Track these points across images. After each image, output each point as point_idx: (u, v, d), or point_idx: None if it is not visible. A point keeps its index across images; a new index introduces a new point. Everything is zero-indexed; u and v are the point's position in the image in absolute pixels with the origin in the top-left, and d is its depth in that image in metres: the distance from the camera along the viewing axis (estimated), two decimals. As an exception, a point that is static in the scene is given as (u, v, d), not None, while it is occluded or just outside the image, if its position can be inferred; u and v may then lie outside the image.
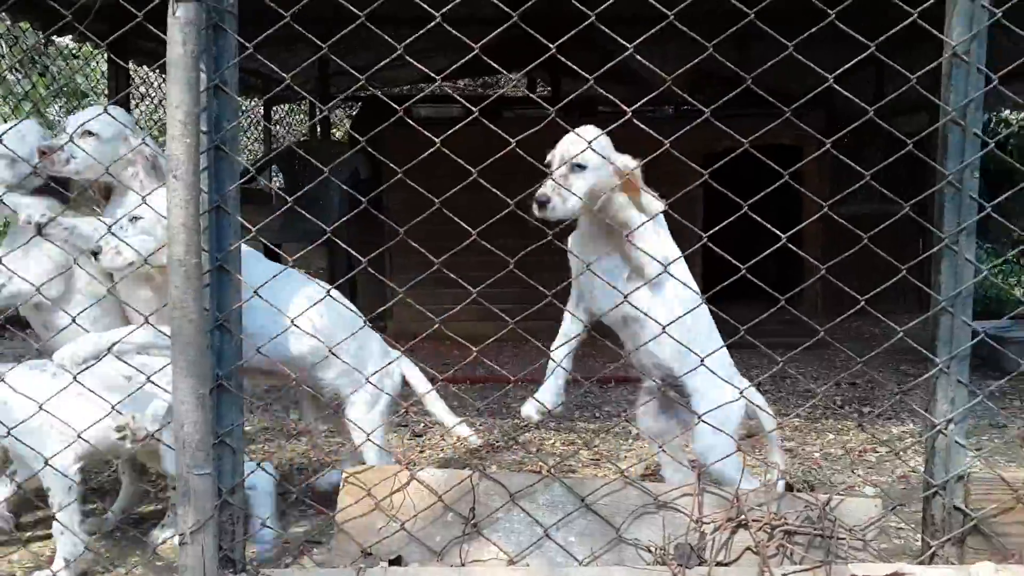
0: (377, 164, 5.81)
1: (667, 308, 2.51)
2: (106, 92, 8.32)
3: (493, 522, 2.19)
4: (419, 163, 2.21)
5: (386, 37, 2.43)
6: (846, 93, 2.18)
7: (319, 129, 10.50)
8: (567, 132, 2.48)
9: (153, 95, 10.52)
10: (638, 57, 2.13)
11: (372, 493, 2.21)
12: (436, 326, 2.27)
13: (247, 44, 2.17)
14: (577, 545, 2.14)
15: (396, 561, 2.14)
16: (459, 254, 2.30)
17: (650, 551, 2.12)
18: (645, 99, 2.42)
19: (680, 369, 2.56)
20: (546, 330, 2.56)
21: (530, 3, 2.21)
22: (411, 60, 2.34)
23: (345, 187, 2.95)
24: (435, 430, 3.98)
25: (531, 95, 8.33)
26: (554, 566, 2.10)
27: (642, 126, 2.07)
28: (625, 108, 2.08)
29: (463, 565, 2.12)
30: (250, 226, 2.26)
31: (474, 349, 2.26)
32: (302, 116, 13.00)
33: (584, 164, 2.41)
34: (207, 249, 2.13)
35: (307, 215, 2.46)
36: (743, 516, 2.13)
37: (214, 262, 2.16)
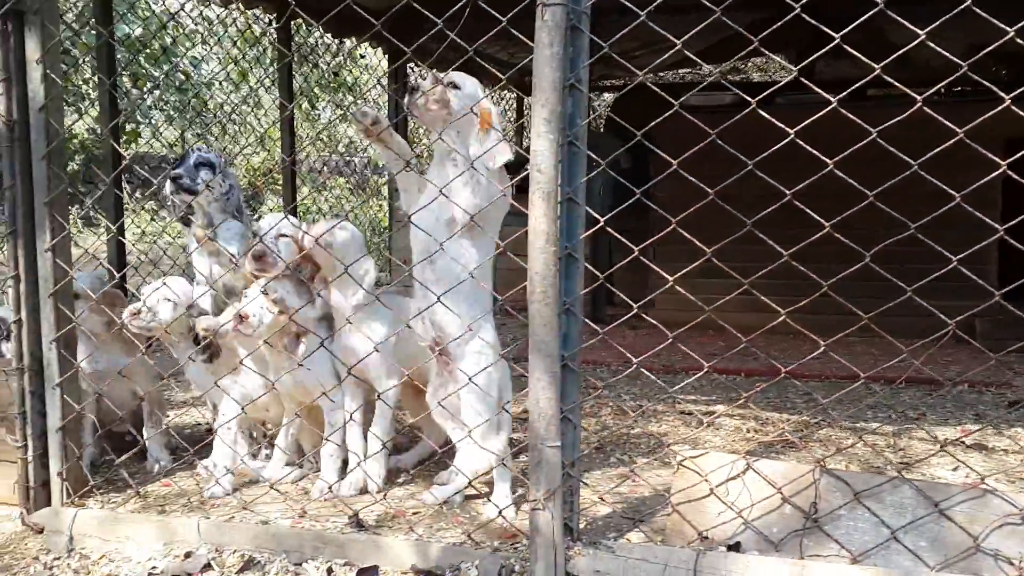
0: (639, 154, 5.78)
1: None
2: (382, 87, 9.09)
3: (834, 519, 2.17)
4: (687, 153, 2.25)
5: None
6: None
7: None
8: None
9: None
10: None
11: (708, 479, 2.27)
12: (702, 316, 2.28)
13: (603, 43, 2.28)
14: (928, 551, 2.07)
15: (734, 547, 2.18)
16: (726, 243, 2.31)
17: (1012, 563, 2.01)
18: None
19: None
20: (819, 323, 2.40)
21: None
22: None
23: (608, 176, 2.99)
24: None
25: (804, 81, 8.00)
26: (901, 570, 2.04)
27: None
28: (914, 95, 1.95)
29: (802, 558, 2.12)
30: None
31: (743, 339, 2.24)
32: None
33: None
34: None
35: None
36: None
37: (563, 250, 2.31)
